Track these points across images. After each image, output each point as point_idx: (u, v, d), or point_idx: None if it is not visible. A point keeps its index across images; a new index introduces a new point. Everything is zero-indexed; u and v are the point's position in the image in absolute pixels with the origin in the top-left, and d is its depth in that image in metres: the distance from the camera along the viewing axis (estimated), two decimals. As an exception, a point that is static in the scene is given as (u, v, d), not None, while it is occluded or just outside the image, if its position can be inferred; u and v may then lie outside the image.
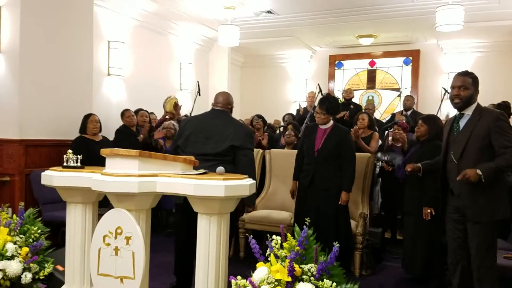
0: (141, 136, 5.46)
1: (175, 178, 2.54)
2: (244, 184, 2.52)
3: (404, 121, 5.71)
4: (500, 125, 2.82)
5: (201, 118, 3.46)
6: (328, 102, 4.03)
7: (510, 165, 2.77)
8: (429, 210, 3.68)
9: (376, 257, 4.51)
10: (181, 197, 2.74)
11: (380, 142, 5.42)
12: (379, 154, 5.15)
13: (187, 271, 3.37)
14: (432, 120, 3.94)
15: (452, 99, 3.01)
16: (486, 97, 3.62)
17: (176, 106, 5.96)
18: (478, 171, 2.73)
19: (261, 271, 2.27)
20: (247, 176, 2.66)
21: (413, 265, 3.97)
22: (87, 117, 4.88)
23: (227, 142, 3.20)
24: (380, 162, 5.15)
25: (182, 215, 3.29)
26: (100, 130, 4.97)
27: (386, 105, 9.61)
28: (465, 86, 2.93)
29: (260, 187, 5.13)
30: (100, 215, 2.81)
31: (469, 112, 2.95)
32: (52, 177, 2.86)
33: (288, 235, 2.32)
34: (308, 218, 2.39)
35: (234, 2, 6.60)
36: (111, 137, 5.50)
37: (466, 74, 2.99)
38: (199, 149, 3.19)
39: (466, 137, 2.90)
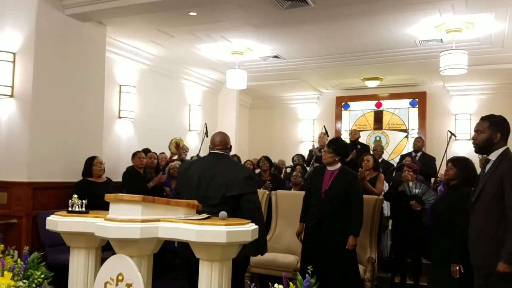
0: (151, 184, 5.45)
1: (177, 224, 2.55)
2: (246, 230, 2.51)
3: (410, 162, 5.70)
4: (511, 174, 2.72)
5: (199, 166, 3.26)
6: (337, 143, 4.07)
7: None
8: (457, 268, 3.31)
9: (385, 303, 4.40)
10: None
11: (386, 185, 5.39)
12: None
13: None
14: (462, 162, 3.61)
15: (472, 144, 3.03)
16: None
17: (178, 146, 6.01)
18: (504, 262, 2.62)
19: (262, 321, 2.23)
20: (250, 221, 2.65)
21: None
22: (92, 159, 4.93)
23: (227, 192, 3.04)
24: (388, 205, 5.06)
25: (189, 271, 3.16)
26: (104, 171, 5.01)
27: (394, 146, 9.60)
28: (480, 130, 2.91)
29: (266, 229, 5.08)
30: (103, 259, 2.80)
31: (493, 157, 2.89)
32: (57, 222, 2.89)
33: (291, 284, 2.29)
34: (315, 262, 2.38)
35: (242, 48, 6.78)
36: (119, 177, 5.55)
37: (485, 118, 2.96)
38: (200, 198, 3.01)
39: (483, 183, 2.84)
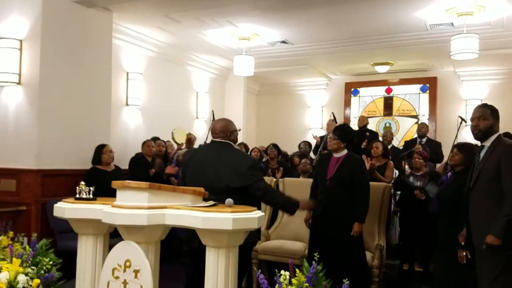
0: (153, 170, 5.46)
1: (183, 211, 2.54)
2: (252, 217, 2.50)
3: (420, 149, 5.64)
4: (509, 156, 2.80)
5: (203, 155, 3.25)
6: (342, 129, 4.02)
7: None
8: (464, 253, 3.31)
9: (393, 290, 4.38)
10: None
11: (396, 172, 5.34)
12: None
13: None
14: (468, 148, 3.63)
15: (472, 131, 3.06)
16: (503, 124, 3.50)
17: (190, 140, 6.05)
18: (493, 234, 2.74)
19: (269, 308, 2.22)
20: (256, 208, 2.64)
21: None
22: (101, 147, 4.95)
23: (231, 183, 3.02)
24: (398, 193, 5.02)
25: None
26: (113, 159, 5.02)
27: (404, 132, 9.50)
28: (484, 117, 2.96)
29: (273, 216, 5.09)
30: (111, 246, 2.81)
31: (487, 143, 2.97)
32: (64, 209, 2.90)
33: (297, 270, 2.27)
34: (321, 249, 2.35)
35: (249, 34, 6.71)
36: (127, 165, 5.57)
37: (484, 106, 3.05)
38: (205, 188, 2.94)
39: (479, 169, 2.91)
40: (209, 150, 3.28)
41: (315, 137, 7.25)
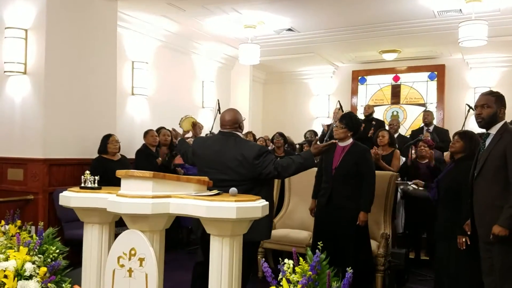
0: (160, 159, 5.48)
1: (187, 200, 2.54)
2: (256, 206, 2.49)
3: (429, 137, 5.60)
4: None
5: (212, 145, 3.27)
6: (350, 118, 3.98)
7: None
8: (464, 239, 3.34)
9: (399, 279, 4.38)
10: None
11: (403, 159, 5.31)
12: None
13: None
14: (469, 136, 3.63)
15: (476, 119, 3.04)
16: (511, 112, 3.47)
17: (195, 125, 6.01)
18: (500, 225, 2.72)
19: (272, 296, 2.23)
20: (260, 197, 2.64)
21: None
22: (108, 137, 4.96)
23: (241, 175, 3.07)
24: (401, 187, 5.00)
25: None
26: (119, 150, 5.04)
27: (411, 121, 9.43)
28: (487, 105, 2.93)
29: (279, 205, 5.09)
30: (117, 235, 2.83)
31: (493, 131, 2.94)
32: (69, 198, 2.91)
33: (301, 259, 2.27)
34: (326, 238, 2.35)
35: (255, 21, 6.66)
36: (133, 154, 5.58)
37: (489, 93, 3.01)
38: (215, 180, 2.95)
39: (485, 157, 2.88)
40: (216, 142, 3.28)
41: (323, 125, 7.21)
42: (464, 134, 3.66)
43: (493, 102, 2.92)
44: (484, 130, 3.06)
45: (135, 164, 5.38)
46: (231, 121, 3.26)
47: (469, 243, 3.29)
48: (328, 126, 6.77)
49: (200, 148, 3.37)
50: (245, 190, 2.90)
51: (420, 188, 4.74)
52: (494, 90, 3.35)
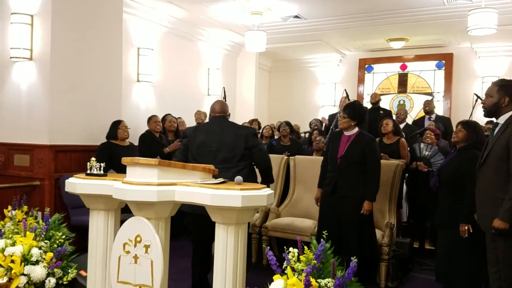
0: (167, 149, 5.44)
1: (193, 188, 2.55)
2: (261, 195, 2.50)
3: (434, 126, 5.57)
4: None
5: (209, 128, 3.61)
6: (353, 107, 3.95)
7: None
8: (466, 227, 3.34)
9: (403, 268, 4.38)
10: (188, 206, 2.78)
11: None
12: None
13: (202, 269, 3.60)
14: (472, 126, 3.61)
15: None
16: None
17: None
18: (500, 218, 2.71)
19: (277, 284, 2.24)
20: (265, 185, 2.65)
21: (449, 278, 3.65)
22: (118, 123, 4.96)
23: (240, 146, 3.44)
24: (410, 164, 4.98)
25: (193, 222, 3.57)
26: (128, 136, 5.05)
27: (418, 110, 9.36)
28: (489, 94, 2.95)
29: (284, 194, 5.10)
30: (122, 221, 2.84)
31: (501, 121, 2.92)
32: (75, 184, 2.92)
33: (305, 248, 2.28)
34: (331, 227, 2.35)
35: (261, 8, 6.59)
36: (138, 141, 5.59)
37: (494, 82, 2.99)
38: (212, 159, 3.32)
39: (491, 146, 2.88)
40: (212, 125, 3.62)
41: (323, 119, 7.18)
42: (468, 124, 3.64)
43: (495, 91, 2.91)
44: (495, 120, 3.04)
45: (139, 149, 5.39)
46: (222, 108, 3.67)
47: (471, 231, 3.31)
48: (331, 117, 6.74)
49: (198, 135, 3.59)
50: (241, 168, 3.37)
51: (424, 169, 4.75)
52: (503, 78, 3.31)
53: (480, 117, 4.00)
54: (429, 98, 9.11)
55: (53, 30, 4.64)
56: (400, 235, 4.84)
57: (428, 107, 6.81)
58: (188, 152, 3.54)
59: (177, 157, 3.58)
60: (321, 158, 4.30)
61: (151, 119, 5.64)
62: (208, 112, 4.74)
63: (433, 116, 6.72)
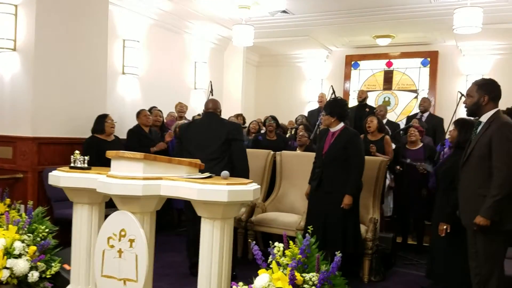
0: (154, 149, 5.32)
1: (179, 182, 2.54)
2: (248, 189, 2.50)
3: (417, 124, 5.63)
4: (500, 134, 2.79)
5: (200, 123, 3.99)
6: (332, 105, 4.05)
7: (502, 189, 2.72)
8: (444, 227, 3.43)
9: (386, 262, 4.44)
10: None
11: (393, 145, 5.34)
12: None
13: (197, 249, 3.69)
14: (460, 123, 3.65)
15: None
16: (505, 100, 3.46)
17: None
18: (481, 215, 2.75)
19: (262, 279, 2.25)
20: (252, 180, 2.65)
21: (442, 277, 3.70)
22: (104, 117, 4.89)
23: (223, 138, 3.75)
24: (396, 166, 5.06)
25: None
26: (114, 130, 4.99)
27: (403, 107, 9.47)
28: (469, 94, 3.00)
29: (270, 188, 5.11)
30: (107, 216, 2.82)
31: (484, 119, 2.96)
32: (59, 177, 2.89)
33: (291, 242, 2.29)
34: (317, 222, 2.36)
35: (249, 2, 6.57)
36: (124, 135, 5.53)
37: (475, 82, 3.04)
38: (201, 153, 3.55)
39: (473, 145, 2.92)
40: (202, 120, 3.99)
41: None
42: (457, 122, 3.70)
43: (474, 91, 2.95)
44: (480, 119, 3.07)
45: (126, 145, 5.30)
46: (215, 106, 4.00)
47: (448, 231, 3.39)
48: (312, 113, 6.76)
49: (191, 129, 3.89)
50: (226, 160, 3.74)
51: (424, 172, 4.82)
52: (486, 77, 3.36)
53: (463, 115, 4.05)
54: (414, 95, 9.23)
55: (38, 21, 4.55)
56: (383, 230, 4.90)
57: (424, 105, 6.83)
58: (183, 147, 3.81)
59: (176, 152, 3.94)
60: (306, 153, 4.36)
61: (141, 113, 5.53)
62: (190, 105, 4.95)
63: (426, 114, 6.77)
